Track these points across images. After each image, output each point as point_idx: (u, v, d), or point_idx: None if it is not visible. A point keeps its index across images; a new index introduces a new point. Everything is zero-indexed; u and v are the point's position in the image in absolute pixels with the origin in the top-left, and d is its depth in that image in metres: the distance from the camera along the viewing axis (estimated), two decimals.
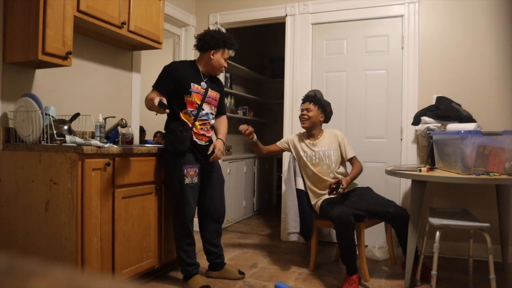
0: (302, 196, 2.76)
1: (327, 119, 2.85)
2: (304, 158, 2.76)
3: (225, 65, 2.50)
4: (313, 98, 2.77)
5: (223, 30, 3.93)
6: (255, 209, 4.84)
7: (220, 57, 2.45)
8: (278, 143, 2.96)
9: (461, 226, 2.20)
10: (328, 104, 2.84)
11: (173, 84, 2.38)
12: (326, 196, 2.62)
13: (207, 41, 2.43)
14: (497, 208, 2.78)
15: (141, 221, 2.36)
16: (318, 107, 2.76)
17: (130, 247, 2.27)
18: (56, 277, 0.31)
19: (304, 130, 2.86)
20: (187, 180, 2.36)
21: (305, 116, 2.75)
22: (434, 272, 2.17)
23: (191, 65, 2.50)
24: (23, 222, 2.07)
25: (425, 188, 2.41)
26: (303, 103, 2.85)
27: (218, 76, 2.65)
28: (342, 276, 2.64)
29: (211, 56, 2.44)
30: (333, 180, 2.57)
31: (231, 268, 2.61)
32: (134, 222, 2.31)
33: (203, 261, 2.62)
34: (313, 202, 2.73)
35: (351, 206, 2.49)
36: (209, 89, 2.48)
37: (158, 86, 2.38)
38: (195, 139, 2.41)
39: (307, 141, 2.80)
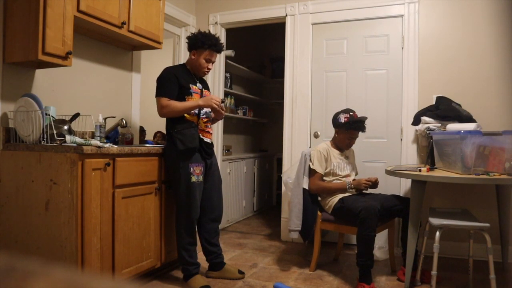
0: (307, 195, 2.77)
1: None
2: (336, 166, 2.74)
3: (206, 66, 2.49)
4: (364, 130, 2.76)
5: (223, 30, 3.94)
6: (255, 209, 4.84)
7: (200, 58, 2.46)
8: (319, 171, 2.72)
9: (461, 226, 2.20)
10: None
11: (177, 87, 2.42)
12: (340, 196, 2.63)
13: (190, 41, 2.48)
14: (497, 208, 2.78)
15: (141, 221, 2.36)
16: None
17: (130, 247, 2.27)
18: (56, 277, 0.31)
19: (327, 142, 2.89)
20: (193, 179, 2.39)
21: (351, 145, 2.80)
22: (434, 272, 2.17)
23: (183, 68, 2.54)
24: (23, 222, 2.07)
25: (425, 188, 2.41)
26: (353, 128, 2.70)
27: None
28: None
29: (192, 57, 2.49)
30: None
31: (231, 268, 2.61)
32: (134, 222, 2.31)
33: (203, 261, 2.62)
34: (325, 202, 2.71)
35: (374, 201, 2.50)
36: (203, 88, 2.57)
37: (167, 93, 2.40)
38: (201, 136, 2.45)
39: (337, 152, 2.80)
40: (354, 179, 2.84)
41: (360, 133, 2.77)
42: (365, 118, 2.75)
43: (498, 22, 2.99)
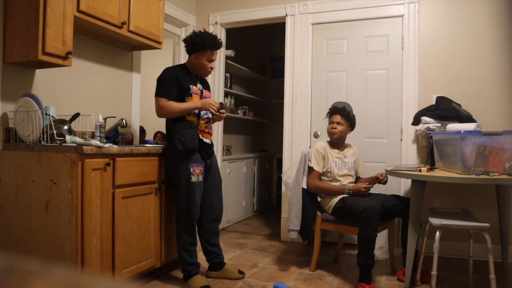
0: (307, 195, 2.76)
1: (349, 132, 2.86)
2: (333, 166, 2.74)
3: (211, 66, 2.49)
4: (344, 112, 2.74)
5: (223, 30, 3.94)
6: (255, 209, 4.84)
7: (203, 60, 2.45)
8: (317, 169, 2.72)
9: (461, 226, 2.20)
10: (355, 118, 2.82)
11: (177, 88, 2.41)
12: (341, 196, 2.62)
13: (188, 45, 2.46)
14: (497, 208, 2.78)
15: (141, 221, 2.36)
16: (347, 120, 2.76)
17: (130, 247, 2.27)
18: (56, 277, 0.31)
19: (325, 140, 2.87)
20: (193, 179, 2.39)
21: (335, 130, 2.75)
22: (434, 272, 2.17)
23: (184, 68, 2.53)
24: (23, 222, 2.07)
25: (425, 188, 2.41)
26: (331, 115, 2.79)
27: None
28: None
29: (194, 60, 2.47)
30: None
31: (231, 268, 2.61)
32: (134, 222, 2.31)
33: (203, 261, 2.62)
34: (325, 202, 2.71)
35: (374, 201, 2.49)
36: (203, 89, 2.56)
37: (166, 94, 2.39)
38: (201, 137, 2.45)
39: (335, 150, 2.79)
40: (357, 179, 2.84)
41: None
42: (344, 103, 2.80)
43: (498, 22, 2.99)
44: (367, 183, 2.66)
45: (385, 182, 2.67)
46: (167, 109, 2.38)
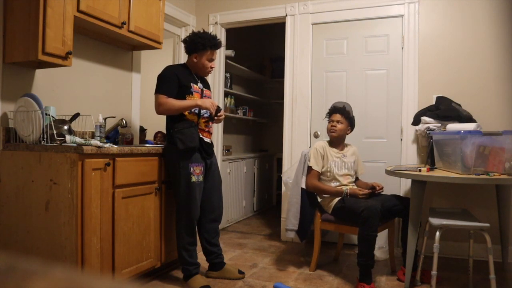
0: (305, 195, 2.76)
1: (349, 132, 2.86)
2: (333, 165, 2.73)
3: (211, 66, 2.50)
4: (343, 111, 2.76)
5: (223, 30, 3.94)
6: (255, 209, 4.84)
7: (203, 60, 2.46)
8: (315, 168, 2.71)
9: (461, 226, 2.20)
10: (354, 119, 2.83)
11: (177, 86, 2.41)
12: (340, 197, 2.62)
13: (188, 46, 2.47)
14: (497, 208, 2.78)
15: (141, 221, 2.36)
16: (346, 119, 2.76)
17: (130, 247, 2.27)
18: (56, 277, 0.31)
19: (325, 140, 2.87)
20: (193, 179, 2.39)
21: (335, 129, 2.75)
22: (434, 272, 2.17)
23: (184, 67, 2.54)
24: (23, 222, 2.07)
25: (425, 188, 2.41)
26: (330, 114, 2.81)
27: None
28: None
29: (194, 60, 2.48)
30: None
31: (231, 268, 2.61)
32: (134, 222, 2.31)
33: (203, 261, 2.62)
34: (325, 202, 2.71)
35: (374, 201, 2.49)
36: (204, 88, 2.57)
37: (166, 91, 2.39)
38: (201, 136, 2.45)
39: (334, 150, 2.79)
40: (357, 179, 2.85)
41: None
42: (344, 102, 2.82)
43: (498, 22, 2.99)
44: (366, 189, 2.65)
45: (378, 194, 2.67)
46: (166, 105, 2.38)
